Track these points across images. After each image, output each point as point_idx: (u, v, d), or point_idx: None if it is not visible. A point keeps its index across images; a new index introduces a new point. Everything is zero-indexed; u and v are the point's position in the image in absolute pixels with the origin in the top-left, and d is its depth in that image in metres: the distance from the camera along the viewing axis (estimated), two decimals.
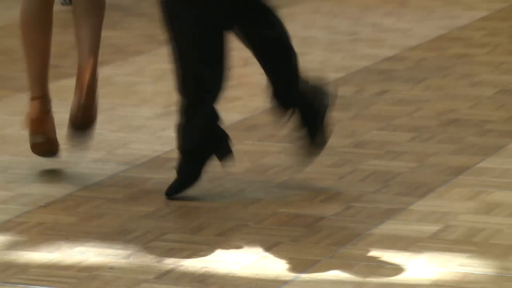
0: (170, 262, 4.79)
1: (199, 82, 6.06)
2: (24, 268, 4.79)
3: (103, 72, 7.46)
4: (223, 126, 5.96)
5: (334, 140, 6.32)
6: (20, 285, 4.63)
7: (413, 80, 7.36)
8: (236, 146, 6.29)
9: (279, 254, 4.90)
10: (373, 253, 4.94)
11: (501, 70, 7.49)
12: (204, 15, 6.10)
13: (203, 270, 4.72)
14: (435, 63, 7.73)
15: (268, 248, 4.96)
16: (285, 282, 4.70)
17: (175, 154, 6.13)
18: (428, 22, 8.76)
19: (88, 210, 5.48)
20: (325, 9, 9.20)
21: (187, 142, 6.03)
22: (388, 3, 9.41)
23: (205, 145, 6.01)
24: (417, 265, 4.80)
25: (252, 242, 5.01)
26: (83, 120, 6.41)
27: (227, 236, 5.07)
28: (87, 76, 6.40)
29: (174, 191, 5.94)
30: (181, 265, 4.78)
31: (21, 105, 6.43)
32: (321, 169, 5.89)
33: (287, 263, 4.84)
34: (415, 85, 7.27)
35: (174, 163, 5.96)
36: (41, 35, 6.62)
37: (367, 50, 7.99)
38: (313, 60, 7.87)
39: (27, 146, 6.23)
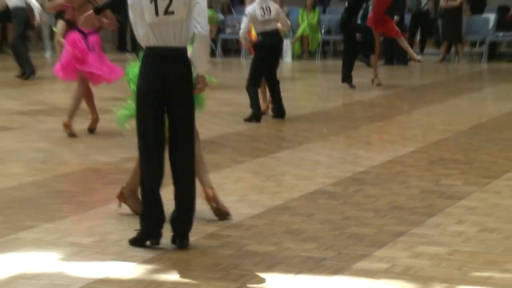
0: (242, 282, 4.72)
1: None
2: (162, 284, 4.71)
3: None
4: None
5: (331, 216, 6.24)
6: None
7: (374, 184, 7.27)
8: (278, 219, 6.21)
9: (301, 279, 4.82)
10: (354, 278, 4.85)
11: (422, 179, 7.43)
12: None
13: (260, 285, 4.64)
14: (386, 175, 7.64)
15: (295, 274, 4.89)
16: None
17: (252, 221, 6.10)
18: (383, 153, 8.69)
19: (196, 252, 5.40)
20: (328, 146, 9.15)
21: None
22: (361, 142, 9.34)
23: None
24: (378, 286, 4.70)
25: (286, 271, 4.94)
26: None
27: (272, 268, 4.98)
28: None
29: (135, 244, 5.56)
30: (249, 281, 4.69)
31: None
32: (324, 232, 5.80)
33: (306, 283, 4.75)
34: (375, 187, 7.19)
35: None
36: None
37: (350, 167, 7.94)
38: (319, 172, 7.82)
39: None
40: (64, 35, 18.26)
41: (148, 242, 5.55)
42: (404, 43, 15.25)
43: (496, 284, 4.79)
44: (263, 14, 10.73)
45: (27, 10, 16.51)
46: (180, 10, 5.37)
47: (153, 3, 5.33)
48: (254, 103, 10.78)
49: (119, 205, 6.25)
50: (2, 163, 8.22)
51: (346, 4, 14.56)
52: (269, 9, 10.80)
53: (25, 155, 8.64)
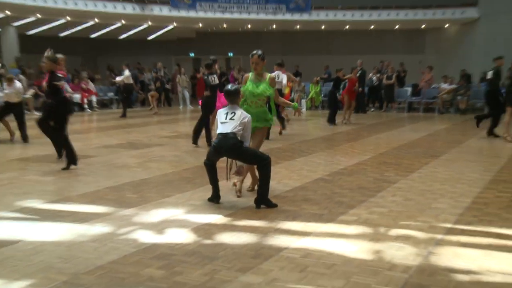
0: (279, 226, 4.57)
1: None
2: (236, 226, 4.58)
3: None
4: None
5: (326, 192, 6.09)
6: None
7: (349, 175, 7.11)
8: (298, 193, 6.06)
9: (310, 225, 4.67)
10: (338, 225, 4.70)
11: (374, 172, 7.21)
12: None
13: (288, 227, 4.47)
14: (355, 170, 7.51)
15: (307, 222, 4.74)
16: (311, 232, 4.45)
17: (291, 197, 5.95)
18: (353, 159, 8.48)
19: (254, 211, 5.29)
20: (324, 154, 8.94)
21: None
22: (341, 153, 9.14)
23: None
24: (350, 229, 4.53)
25: (302, 220, 4.79)
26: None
27: (295, 218, 4.84)
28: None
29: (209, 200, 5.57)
30: (282, 226, 4.54)
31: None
32: (322, 200, 5.66)
33: (312, 227, 4.60)
34: (349, 176, 7.04)
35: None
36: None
37: (336, 166, 7.71)
38: (320, 168, 7.66)
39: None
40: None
41: (214, 201, 5.56)
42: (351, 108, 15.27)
43: (413, 228, 4.65)
44: (277, 78, 11.01)
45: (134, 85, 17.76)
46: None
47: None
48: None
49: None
50: (156, 162, 8.20)
51: (332, 83, 14.75)
52: (280, 76, 11.15)
53: (168, 158, 8.61)
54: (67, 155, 7.56)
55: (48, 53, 8.07)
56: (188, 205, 5.53)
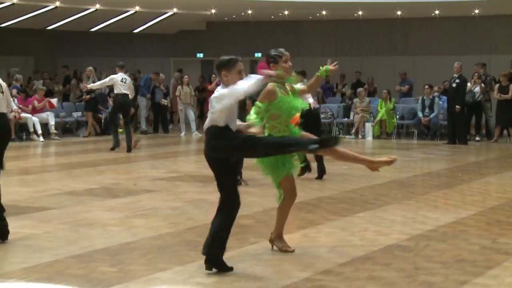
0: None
1: None
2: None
3: None
4: None
5: (405, 266, 6.01)
6: None
7: (441, 240, 7.06)
8: (361, 267, 6.01)
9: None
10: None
11: (482, 237, 7.20)
12: None
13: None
14: (451, 233, 7.44)
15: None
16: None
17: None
18: (447, 215, 8.39)
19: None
20: (402, 208, 8.89)
21: None
22: (429, 206, 9.06)
23: None
24: None
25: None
26: None
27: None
28: None
29: None
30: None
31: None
32: (399, 279, 5.62)
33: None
34: (442, 242, 6.95)
35: None
36: None
37: (420, 226, 7.68)
38: (395, 229, 7.64)
39: None
40: None
41: None
42: None
43: None
44: None
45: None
46: None
47: None
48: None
49: (272, 248, 6.56)
50: (145, 218, 8.27)
51: None
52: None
53: (164, 212, 8.69)
54: None
55: None
56: (192, 283, 5.53)
